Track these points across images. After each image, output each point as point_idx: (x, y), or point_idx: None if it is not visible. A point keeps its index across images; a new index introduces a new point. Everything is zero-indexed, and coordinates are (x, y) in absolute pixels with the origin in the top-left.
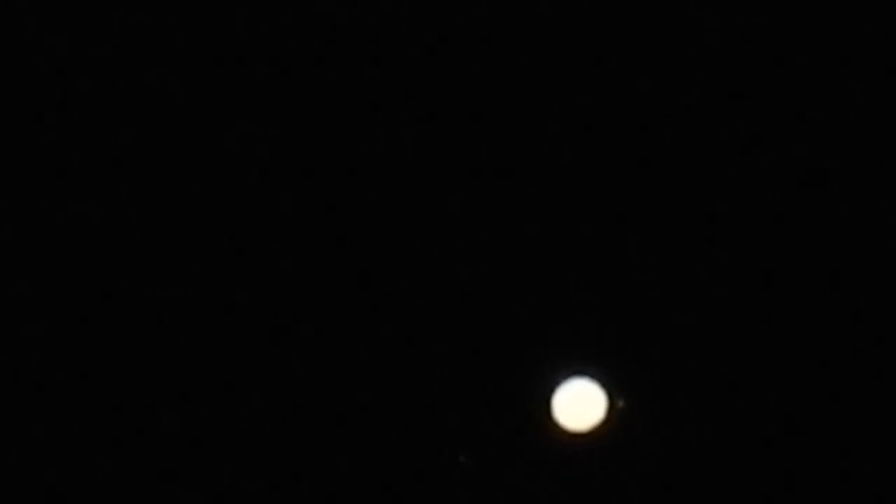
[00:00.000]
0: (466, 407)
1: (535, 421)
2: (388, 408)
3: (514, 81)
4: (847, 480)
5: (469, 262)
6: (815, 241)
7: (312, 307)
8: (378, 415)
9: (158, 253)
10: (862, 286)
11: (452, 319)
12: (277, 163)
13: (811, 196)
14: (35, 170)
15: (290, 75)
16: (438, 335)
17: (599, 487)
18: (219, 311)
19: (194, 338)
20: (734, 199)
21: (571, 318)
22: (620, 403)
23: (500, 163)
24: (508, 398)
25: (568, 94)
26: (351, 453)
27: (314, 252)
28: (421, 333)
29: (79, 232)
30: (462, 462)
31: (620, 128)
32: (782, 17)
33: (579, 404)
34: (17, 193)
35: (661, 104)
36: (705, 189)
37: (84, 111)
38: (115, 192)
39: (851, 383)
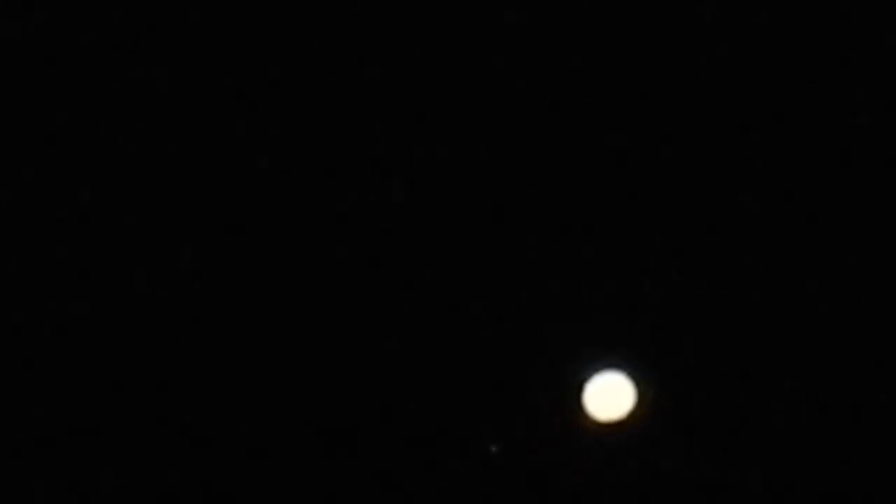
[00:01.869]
0: (498, 398)
1: (565, 411)
2: (421, 398)
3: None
4: (872, 473)
5: (502, 255)
6: (843, 236)
7: (350, 299)
8: (411, 405)
9: (158, 254)
10: (882, 281)
11: (485, 311)
12: (285, 164)
13: (835, 191)
14: (35, 170)
15: (290, 75)
16: (472, 327)
17: (628, 477)
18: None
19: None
20: (765, 194)
21: (602, 310)
22: (649, 394)
23: (534, 156)
24: (539, 389)
25: (595, 88)
26: (384, 443)
27: (353, 246)
28: (454, 325)
29: (79, 232)
30: (493, 451)
31: (651, 124)
32: (783, 17)
33: (609, 395)
34: (16, 193)
35: (683, 99)
36: (736, 185)
37: (83, 111)
38: (116, 192)
39: (879, 378)
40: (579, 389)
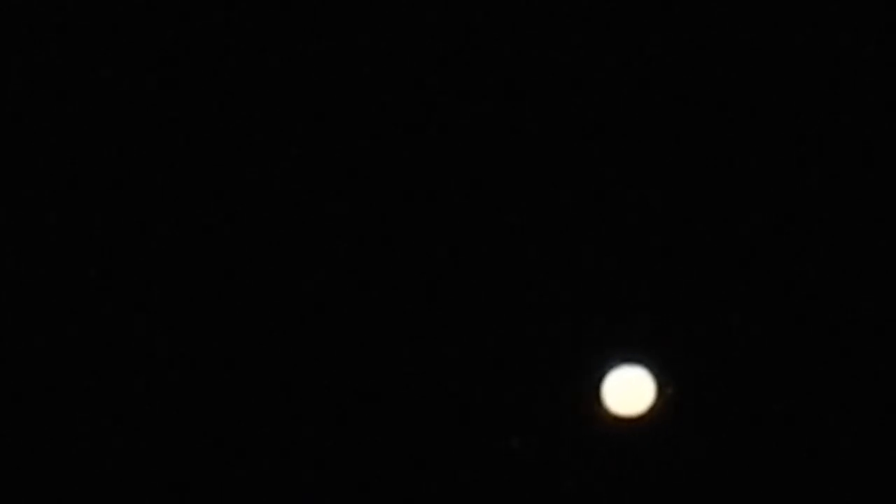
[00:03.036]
0: (516, 392)
1: (584, 406)
2: (440, 392)
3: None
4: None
5: (520, 248)
6: (870, 233)
7: (370, 294)
8: (428, 399)
9: (158, 254)
10: None
11: (503, 305)
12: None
13: (861, 186)
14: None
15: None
16: (489, 320)
17: (647, 473)
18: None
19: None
20: (788, 190)
21: (621, 304)
22: (669, 390)
23: (551, 149)
24: (558, 384)
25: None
26: (401, 436)
27: (374, 241)
28: (473, 319)
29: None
30: (511, 447)
31: (668, 120)
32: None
33: (628, 390)
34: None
35: (698, 95)
36: (756, 179)
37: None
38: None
39: None
40: (598, 384)
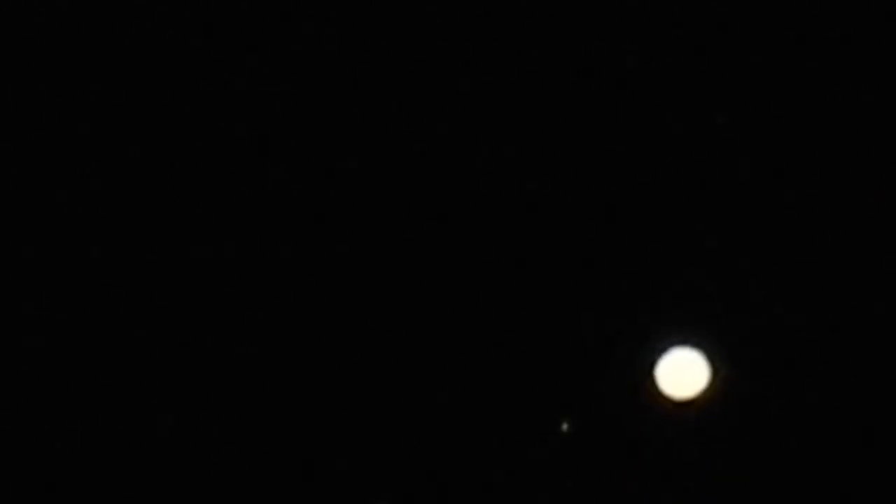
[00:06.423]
0: (571, 375)
1: (638, 389)
2: (494, 376)
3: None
4: None
5: (577, 232)
6: None
7: (428, 277)
8: (483, 383)
9: (157, 253)
10: None
11: (558, 288)
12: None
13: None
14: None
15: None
16: (544, 304)
17: (701, 455)
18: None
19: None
20: (837, 177)
21: (676, 286)
22: (723, 372)
23: (608, 138)
24: (612, 366)
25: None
26: (456, 420)
27: (429, 230)
28: (529, 302)
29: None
30: (565, 429)
31: (720, 106)
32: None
33: (682, 373)
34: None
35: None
36: (810, 166)
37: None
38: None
39: None
40: (652, 367)
